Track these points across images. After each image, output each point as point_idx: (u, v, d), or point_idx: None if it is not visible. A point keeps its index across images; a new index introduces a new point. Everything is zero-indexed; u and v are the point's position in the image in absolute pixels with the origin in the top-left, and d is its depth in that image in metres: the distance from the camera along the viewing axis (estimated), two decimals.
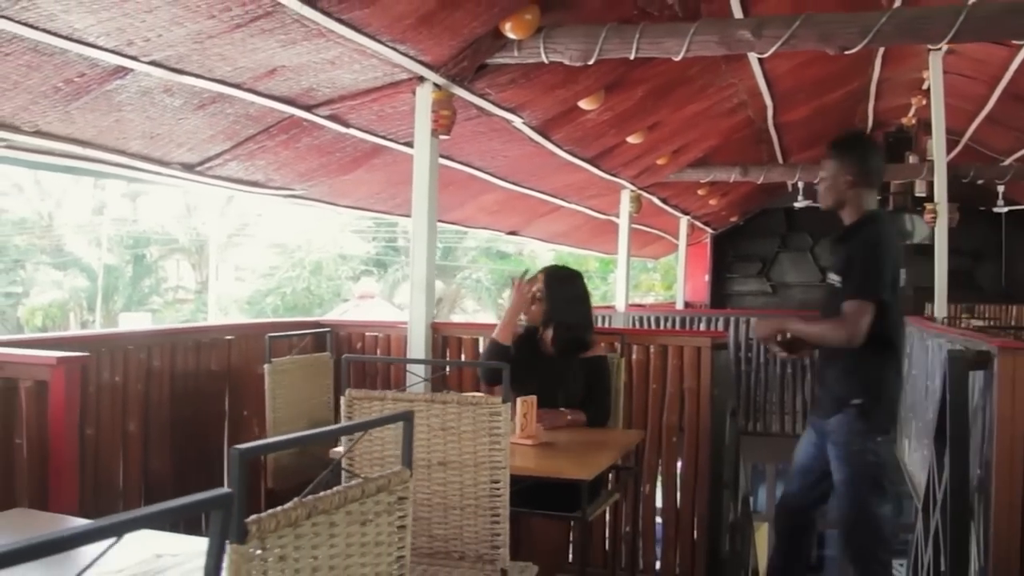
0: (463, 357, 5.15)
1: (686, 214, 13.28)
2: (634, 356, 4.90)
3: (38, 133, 4.39)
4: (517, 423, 3.56)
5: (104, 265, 28.68)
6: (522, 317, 4.32)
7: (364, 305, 21.95)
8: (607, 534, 4.96)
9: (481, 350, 5.11)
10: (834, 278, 3.87)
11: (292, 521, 1.41)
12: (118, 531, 1.01)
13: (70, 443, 3.06)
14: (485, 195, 8.44)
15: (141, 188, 27.54)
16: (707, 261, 16.63)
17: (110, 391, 3.97)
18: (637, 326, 10.52)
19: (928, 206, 9.23)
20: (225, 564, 1.19)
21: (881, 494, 3.80)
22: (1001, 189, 11.67)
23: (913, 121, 11.53)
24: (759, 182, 10.82)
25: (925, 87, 9.34)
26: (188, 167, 5.45)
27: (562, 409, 4.01)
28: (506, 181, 7.98)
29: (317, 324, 5.44)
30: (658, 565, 5.02)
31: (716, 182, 10.84)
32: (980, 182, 11.08)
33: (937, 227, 8.85)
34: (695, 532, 4.88)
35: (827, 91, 9.44)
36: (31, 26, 3.47)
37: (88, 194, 28.67)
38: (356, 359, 4.96)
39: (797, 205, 12.52)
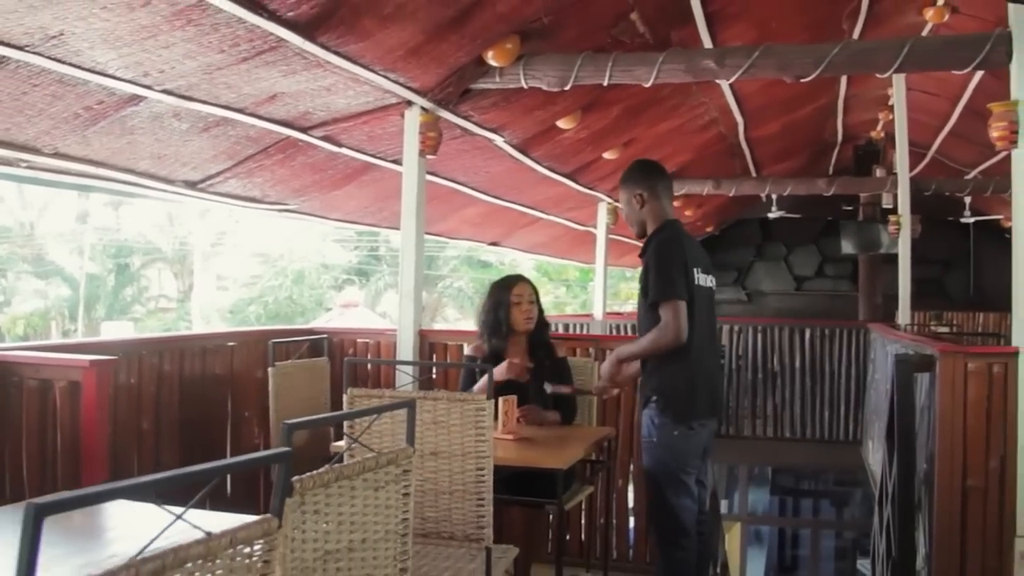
0: (448, 361, 5.52)
1: None
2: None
3: (56, 155, 4.75)
4: (499, 420, 3.93)
5: (86, 274, 28.77)
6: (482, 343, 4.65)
7: (348, 313, 22.28)
8: (583, 526, 5.33)
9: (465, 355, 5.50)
10: (640, 288, 4.03)
11: (324, 482, 1.78)
12: (199, 478, 1.38)
13: (100, 436, 3.41)
14: (468, 208, 8.82)
15: (125, 198, 27.66)
16: None
17: (126, 392, 4.31)
18: (614, 333, 10.89)
19: (892, 218, 9.68)
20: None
21: (678, 485, 3.90)
22: (968, 200, 12.10)
23: (881, 135, 11.93)
24: (731, 195, 11.21)
25: (891, 103, 9.79)
26: (191, 184, 5.82)
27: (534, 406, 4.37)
28: (488, 195, 8.37)
29: (312, 331, 5.80)
30: (630, 555, 5.39)
31: (691, 195, 11.23)
32: (947, 193, 11.50)
33: (901, 238, 9.29)
34: None
35: (796, 107, 9.85)
36: (59, 60, 3.83)
37: (71, 203, 28.75)
38: (357, 362, 5.32)
39: (771, 215, 12.90)
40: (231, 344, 5.19)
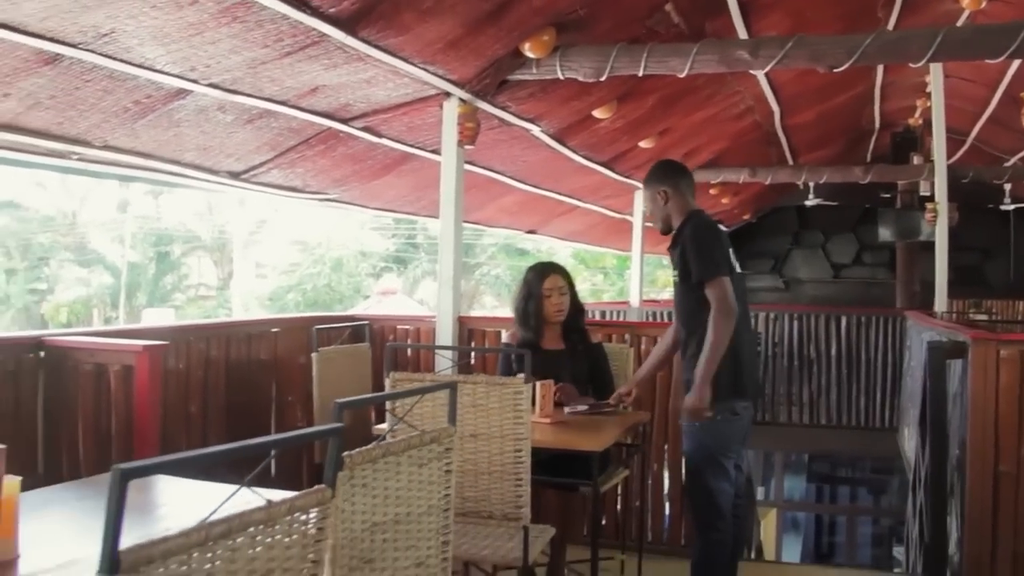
0: (487, 347, 5.63)
1: None
2: (643, 347, 5.36)
3: (106, 147, 4.91)
4: (537, 404, 4.04)
5: (127, 262, 29.13)
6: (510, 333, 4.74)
7: (386, 301, 22.45)
8: (618, 508, 5.43)
9: (503, 341, 5.62)
10: (675, 275, 4.11)
11: (372, 458, 1.90)
12: (259, 450, 1.50)
13: (153, 418, 3.56)
14: (505, 196, 8.93)
15: (165, 187, 27.96)
16: None
17: (175, 376, 4.46)
18: (651, 320, 10.98)
19: (929, 205, 9.66)
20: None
21: (718, 469, 3.97)
22: (1008, 187, 12.04)
23: (919, 122, 11.88)
24: (767, 183, 11.24)
25: (928, 90, 9.76)
26: (234, 175, 5.97)
27: (569, 385, 4.46)
28: (525, 184, 8.48)
29: (354, 318, 5.93)
30: (665, 537, 5.49)
31: (727, 183, 11.27)
32: (987, 181, 11.46)
33: (937, 226, 9.27)
34: None
35: (832, 95, 9.86)
36: (110, 57, 3.97)
37: (112, 192, 29.11)
38: (398, 346, 5.43)
39: (808, 203, 12.91)
40: (275, 330, 5.33)
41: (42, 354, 3.82)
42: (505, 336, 4.95)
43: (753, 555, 10.48)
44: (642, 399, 5.00)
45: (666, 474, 5.47)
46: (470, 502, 3.48)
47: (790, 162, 11.96)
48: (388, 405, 3.03)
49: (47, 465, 3.77)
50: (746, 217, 16.17)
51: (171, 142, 5.20)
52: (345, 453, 1.78)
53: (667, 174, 4.22)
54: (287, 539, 1.51)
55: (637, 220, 10.81)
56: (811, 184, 11.91)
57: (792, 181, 11.67)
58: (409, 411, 2.24)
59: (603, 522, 5.41)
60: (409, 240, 32.03)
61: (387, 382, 3.46)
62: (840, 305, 13.33)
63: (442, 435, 2.17)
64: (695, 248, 3.94)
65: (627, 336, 5.26)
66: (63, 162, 5.00)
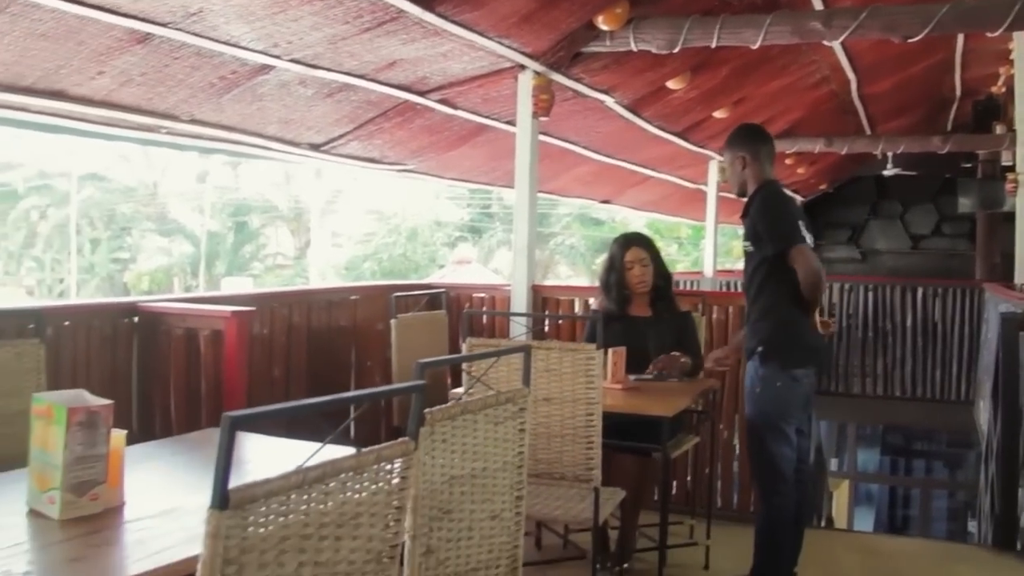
0: (560, 314, 5.74)
1: None
2: (715, 316, 5.43)
3: (193, 121, 5.11)
4: (608, 370, 4.14)
5: (207, 232, 29.76)
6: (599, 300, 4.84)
7: (461, 270, 22.63)
8: (688, 475, 5.51)
9: (576, 310, 5.74)
10: (746, 244, 4.13)
11: (451, 415, 2.02)
12: (352, 402, 1.62)
13: (240, 380, 3.74)
14: (580, 167, 9.01)
15: (243, 159, 28.38)
16: None
17: (260, 342, 4.64)
18: (725, 290, 10.97)
19: (1010, 176, 9.50)
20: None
21: (779, 434, 4.02)
22: None
23: (1003, 89, 11.62)
24: (843, 152, 11.12)
25: (1012, 57, 9.55)
26: (315, 147, 6.16)
27: (674, 353, 4.55)
28: (599, 154, 8.54)
29: (431, 286, 6.08)
30: (734, 504, 5.57)
31: (802, 152, 11.18)
32: None
33: (1019, 196, 9.12)
34: None
35: (911, 64, 9.70)
36: (198, 35, 4.14)
37: (191, 163, 29.69)
38: (474, 313, 5.56)
39: (887, 173, 12.74)
40: (354, 298, 5.50)
41: (136, 319, 4.02)
42: (594, 303, 5.06)
43: (823, 524, 10.50)
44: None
45: (736, 441, 5.54)
46: (543, 464, 3.60)
47: (867, 132, 11.80)
48: (465, 366, 3.15)
49: (140, 423, 3.98)
50: (823, 187, 16.00)
51: (254, 115, 5.38)
52: (427, 410, 1.90)
53: (749, 139, 4.23)
54: (373, 486, 1.63)
55: (711, 190, 10.80)
56: (889, 154, 11.74)
57: (869, 151, 11.52)
58: (485, 372, 2.36)
59: (674, 489, 5.50)
60: (484, 210, 32.17)
61: (463, 347, 3.59)
62: (918, 277, 13.17)
63: (517, 395, 2.29)
64: (766, 220, 4.00)
65: (699, 305, 5.31)
66: (152, 136, 5.22)
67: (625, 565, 4.35)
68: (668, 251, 28.90)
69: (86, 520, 2.09)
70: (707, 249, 11.42)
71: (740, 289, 4.45)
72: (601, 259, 4.88)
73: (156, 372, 3.98)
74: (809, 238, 4.12)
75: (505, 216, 29.24)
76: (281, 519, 1.43)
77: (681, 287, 10.73)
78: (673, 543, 4.67)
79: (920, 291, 10.95)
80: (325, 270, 31.04)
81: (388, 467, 1.67)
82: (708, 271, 11.15)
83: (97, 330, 3.83)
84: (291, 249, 32.82)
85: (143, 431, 3.88)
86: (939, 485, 15.42)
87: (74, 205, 27.81)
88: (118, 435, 2.23)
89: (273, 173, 30.44)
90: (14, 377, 2.95)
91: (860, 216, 16.53)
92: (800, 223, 4.05)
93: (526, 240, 5.52)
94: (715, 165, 10.48)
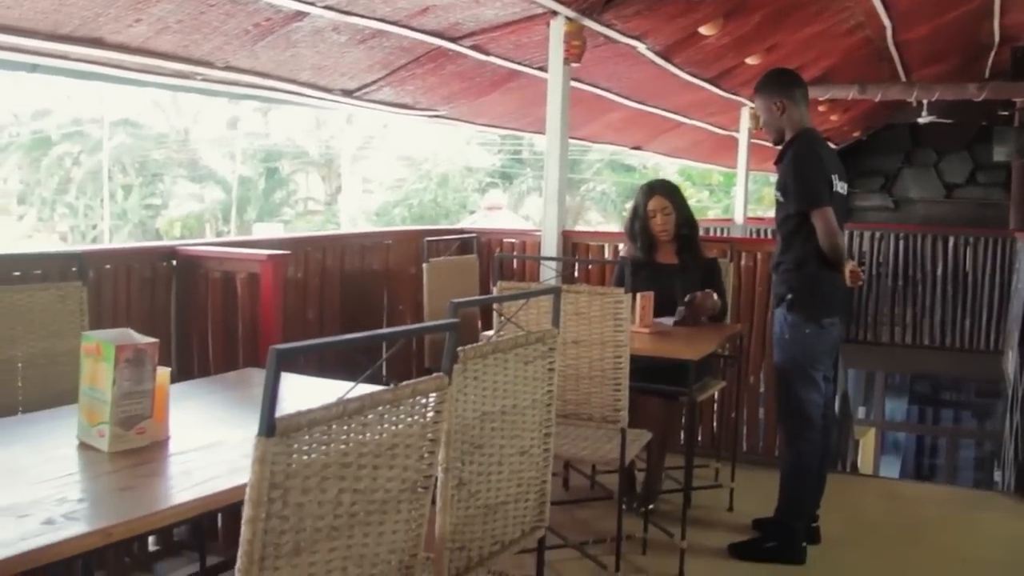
0: (589, 258, 5.80)
1: None
2: (743, 262, 5.48)
3: (228, 68, 5.17)
4: (637, 315, 4.21)
5: (238, 178, 29.88)
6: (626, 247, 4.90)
7: (492, 216, 22.68)
8: (715, 419, 5.59)
9: (606, 256, 5.79)
10: (777, 194, 4.19)
11: (483, 353, 2.10)
12: (387, 338, 1.70)
13: (276, 321, 3.83)
14: (611, 113, 9.00)
15: (274, 104, 28.34)
16: None
17: (294, 285, 4.73)
18: (754, 236, 10.99)
19: None
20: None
21: (807, 380, 4.11)
22: None
23: None
24: (877, 100, 11.02)
25: None
26: (347, 93, 6.20)
27: (707, 290, 4.60)
28: (631, 100, 8.53)
29: (463, 231, 6.16)
30: (760, 448, 5.65)
31: (836, 100, 11.09)
32: None
33: None
34: None
35: (948, 9, 9.57)
36: None
37: (222, 109, 29.74)
38: (505, 257, 5.62)
39: (921, 121, 12.61)
40: (387, 242, 5.58)
41: (175, 263, 4.12)
42: (623, 250, 5.13)
43: (848, 469, 10.57)
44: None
45: (762, 386, 5.61)
46: (571, 405, 3.69)
47: (902, 78, 11.67)
48: (496, 307, 3.23)
49: (179, 363, 4.08)
50: (856, 135, 15.86)
51: (288, 62, 5.43)
52: (459, 348, 1.98)
53: (784, 85, 4.23)
54: (409, 419, 1.72)
55: (743, 137, 10.78)
56: (924, 101, 11.61)
57: (903, 99, 11.39)
58: (516, 313, 2.44)
59: (700, 434, 5.59)
60: (515, 156, 32.08)
61: (494, 290, 3.67)
62: (951, 226, 13.08)
63: (546, 336, 2.36)
64: (795, 177, 4.04)
65: (728, 252, 5.36)
66: (188, 83, 5.29)
67: (651, 506, 4.45)
68: (699, 198, 28.80)
69: (133, 452, 2.19)
70: (738, 196, 11.41)
71: (773, 236, 4.48)
72: (628, 206, 4.93)
73: (194, 314, 4.08)
74: (842, 186, 4.15)
75: (536, 162, 29.15)
76: (323, 448, 1.52)
77: (711, 234, 10.79)
78: (698, 485, 4.77)
79: (951, 240, 10.90)
80: (356, 216, 31.11)
81: (423, 401, 1.75)
82: (739, 218, 11.16)
83: (137, 272, 3.93)
84: (322, 195, 32.91)
85: (182, 371, 3.99)
86: (966, 434, 15.44)
87: (106, 152, 27.96)
88: (163, 372, 2.33)
89: (304, 119, 30.43)
90: (58, 318, 3.06)
91: (893, 164, 16.39)
92: (834, 176, 4.08)
93: (557, 186, 5.56)
94: (747, 112, 10.44)
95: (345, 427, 1.55)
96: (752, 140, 10.85)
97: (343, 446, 1.56)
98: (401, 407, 1.68)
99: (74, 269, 3.28)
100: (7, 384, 2.90)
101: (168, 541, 3.99)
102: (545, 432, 2.40)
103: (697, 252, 4.80)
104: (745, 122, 10.57)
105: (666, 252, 4.75)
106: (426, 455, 1.79)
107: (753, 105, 10.18)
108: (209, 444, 2.30)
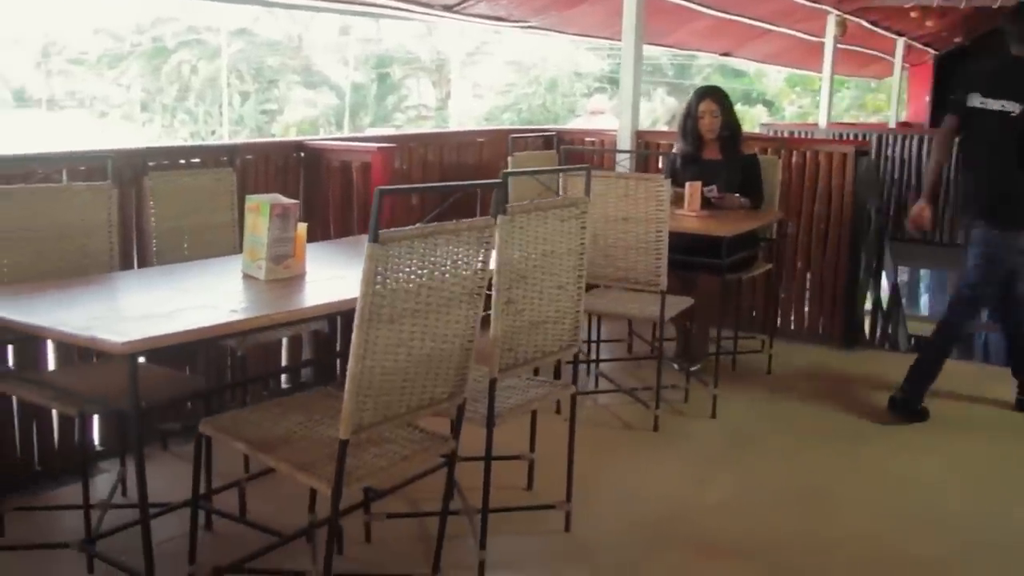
0: (659, 158, 6.49)
1: (901, 36, 13.72)
2: (793, 159, 6.14)
3: None
4: (686, 200, 5.00)
5: (351, 84, 30.67)
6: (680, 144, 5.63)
7: (595, 120, 23.12)
8: (763, 302, 6.30)
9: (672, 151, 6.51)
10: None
11: (527, 210, 2.91)
12: (467, 188, 2.54)
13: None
14: (696, 22, 9.55)
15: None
16: (929, 82, 16.90)
17: (400, 175, 5.57)
18: (835, 138, 11.39)
19: None
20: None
21: (992, 277, 4.73)
22: None
23: None
24: (962, 7, 11.20)
25: None
26: (447, 8, 6.96)
27: (735, 195, 5.36)
28: (713, 9, 9.07)
29: (546, 130, 6.96)
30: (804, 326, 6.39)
31: (926, 7, 11.29)
32: None
33: None
34: (835, 302, 6.20)
35: None
36: None
37: (334, 16, 30.33)
38: (572, 150, 6.28)
39: None
40: (480, 140, 6.41)
41: (302, 154, 5.02)
42: (675, 147, 5.86)
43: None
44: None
45: (808, 274, 6.28)
46: (620, 271, 4.52)
47: None
48: (538, 179, 4.06)
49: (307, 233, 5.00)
50: (957, 40, 15.83)
51: None
52: (507, 204, 2.80)
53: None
54: (466, 244, 2.54)
55: (828, 44, 11.16)
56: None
57: (990, 4, 11.50)
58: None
59: (747, 312, 6.31)
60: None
61: (560, 176, 4.49)
62: None
63: (579, 201, 3.16)
64: None
65: (781, 151, 6.02)
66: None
67: (697, 366, 5.27)
68: (801, 103, 28.75)
69: (281, 281, 3.08)
70: (823, 101, 11.85)
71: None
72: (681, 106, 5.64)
73: (319, 196, 4.97)
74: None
75: (645, 68, 29.21)
76: (408, 254, 2.37)
77: (796, 136, 11.26)
78: (742, 350, 5.58)
79: None
80: (465, 121, 31.67)
81: (478, 234, 2.57)
82: (822, 122, 11.61)
83: (273, 162, 4.83)
84: (432, 100, 33.43)
85: (309, 239, 4.90)
86: None
87: (224, 59, 28.97)
88: (302, 225, 3.21)
89: (415, 26, 30.87)
90: (214, 196, 3.95)
91: None
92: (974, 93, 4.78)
93: (631, 88, 6.29)
94: (832, 19, 10.83)
95: (422, 245, 2.40)
96: (843, 46, 11.19)
97: (421, 257, 2.41)
98: (460, 235, 2.52)
99: (225, 158, 4.17)
100: (176, 247, 3.76)
101: (296, 381, 4.97)
102: (578, 274, 3.21)
103: (738, 149, 5.52)
104: (830, 29, 10.96)
105: (711, 149, 5.50)
106: (479, 271, 2.61)
107: (838, 13, 10.62)
108: (333, 276, 3.21)
